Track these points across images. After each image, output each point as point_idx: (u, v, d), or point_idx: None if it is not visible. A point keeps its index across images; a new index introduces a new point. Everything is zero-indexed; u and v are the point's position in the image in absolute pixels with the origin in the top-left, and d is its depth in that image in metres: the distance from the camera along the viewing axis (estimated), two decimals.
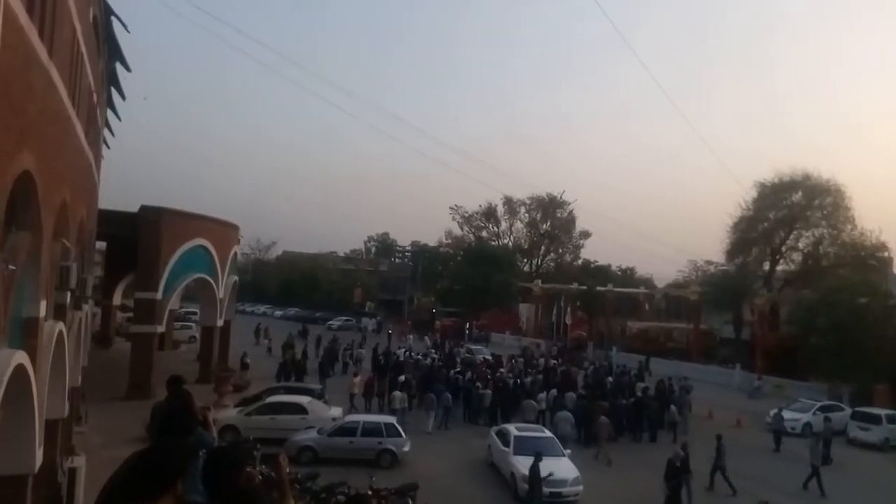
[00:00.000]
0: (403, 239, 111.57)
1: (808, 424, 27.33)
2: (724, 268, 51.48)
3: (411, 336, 56.61)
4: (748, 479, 19.38)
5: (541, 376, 31.27)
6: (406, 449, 19.68)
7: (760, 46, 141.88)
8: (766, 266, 50.77)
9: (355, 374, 30.04)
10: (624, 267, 72.01)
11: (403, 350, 38.16)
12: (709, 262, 54.55)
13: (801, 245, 49.71)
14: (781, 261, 50.47)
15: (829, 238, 47.96)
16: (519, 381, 29.33)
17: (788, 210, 48.39)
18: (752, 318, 46.92)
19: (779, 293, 47.72)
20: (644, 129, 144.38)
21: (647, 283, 70.04)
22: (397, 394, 25.39)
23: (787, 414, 27.05)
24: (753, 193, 50.01)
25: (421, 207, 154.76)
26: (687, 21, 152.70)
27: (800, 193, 48.22)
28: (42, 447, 9.77)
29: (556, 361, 37.97)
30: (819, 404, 29.15)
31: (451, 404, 25.53)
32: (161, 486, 2.39)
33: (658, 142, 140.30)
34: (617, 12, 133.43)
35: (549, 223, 73.33)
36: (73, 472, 13.71)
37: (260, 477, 3.58)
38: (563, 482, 16.83)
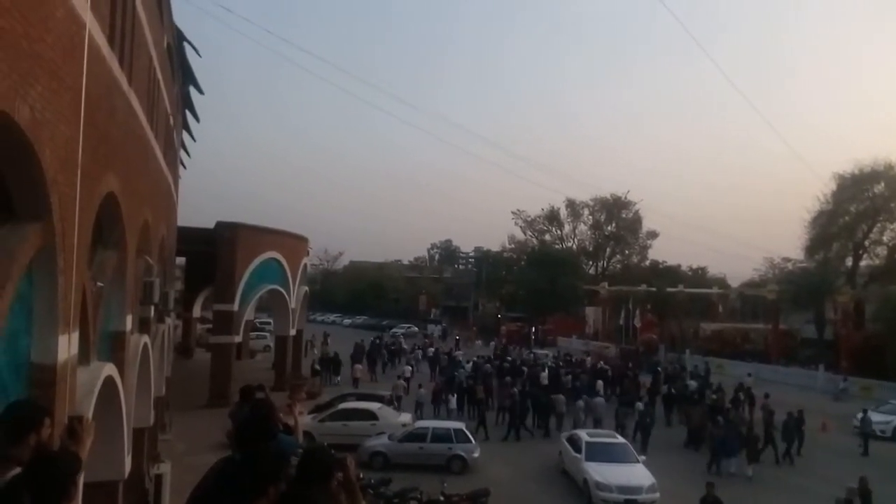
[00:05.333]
0: (466, 245, 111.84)
1: None
2: (804, 264, 49.32)
3: (479, 342, 56.72)
4: (835, 483, 18.45)
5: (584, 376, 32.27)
6: (476, 455, 19.69)
7: (836, 26, 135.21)
8: (849, 261, 48.47)
9: (355, 363, 34.80)
10: (695, 267, 69.95)
11: (447, 354, 40.24)
12: (786, 259, 52.38)
13: (885, 238, 47.25)
14: (865, 255, 48.08)
15: None
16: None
17: (871, 202, 46.07)
18: (836, 317, 44.69)
19: (863, 289, 45.40)
20: (712, 122, 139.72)
21: (720, 282, 67.51)
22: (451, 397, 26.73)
23: (875, 416, 25.65)
24: (832, 186, 47.86)
25: (483, 213, 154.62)
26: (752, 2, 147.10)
27: (882, 184, 45.86)
28: (130, 455, 10.27)
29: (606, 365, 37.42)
30: None
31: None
32: (259, 491, 2.54)
33: (727, 135, 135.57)
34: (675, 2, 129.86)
35: (613, 224, 71.90)
36: (159, 479, 14.38)
37: (336, 483, 3.67)
38: (638, 489, 16.45)
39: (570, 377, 31.42)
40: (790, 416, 22.22)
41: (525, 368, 33.99)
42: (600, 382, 29.86)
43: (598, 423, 23.81)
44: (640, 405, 24.74)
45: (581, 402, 25.24)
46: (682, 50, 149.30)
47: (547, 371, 31.96)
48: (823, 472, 20.44)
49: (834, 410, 30.22)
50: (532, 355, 41.46)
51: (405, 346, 46.31)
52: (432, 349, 43.25)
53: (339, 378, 34.74)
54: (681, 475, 19.53)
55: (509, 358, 39.28)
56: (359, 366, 34.72)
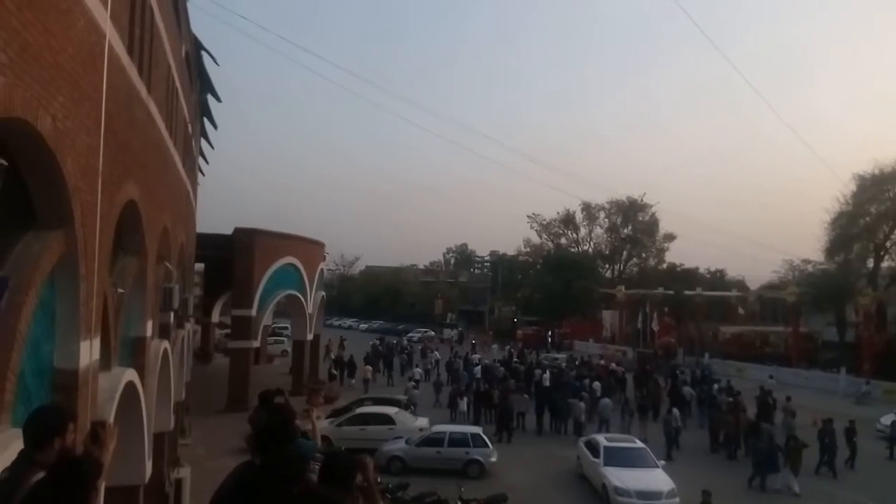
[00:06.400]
0: (482, 249, 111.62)
1: None
2: (824, 266, 48.73)
3: (495, 346, 56.68)
4: (862, 489, 18.18)
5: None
6: (493, 459, 19.63)
7: (855, 25, 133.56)
8: (870, 263, 47.78)
9: (367, 364, 36.00)
10: (713, 269, 69.28)
11: (463, 358, 39.84)
12: (806, 262, 51.74)
13: None
14: (886, 257, 47.37)
15: None
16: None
17: (891, 203, 45.47)
18: (857, 319, 44.09)
19: (885, 291, 44.71)
20: (730, 123, 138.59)
21: (739, 285, 66.82)
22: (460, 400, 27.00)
23: None
24: (853, 187, 47.31)
25: (498, 217, 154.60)
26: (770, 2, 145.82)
27: None
28: (151, 459, 10.36)
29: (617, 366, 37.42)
30: None
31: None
32: (279, 495, 2.58)
33: (745, 136, 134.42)
34: (692, 3, 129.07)
35: (630, 227, 71.45)
36: (179, 483, 14.48)
37: (355, 485, 3.69)
38: (657, 494, 16.27)
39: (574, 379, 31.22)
40: (827, 424, 21.28)
41: (539, 371, 33.78)
42: (597, 384, 29.39)
43: (604, 425, 23.75)
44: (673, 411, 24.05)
45: (582, 404, 25.15)
46: (699, 51, 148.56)
47: (548, 373, 31.38)
48: (856, 481, 19.83)
49: (856, 414, 29.64)
50: (537, 359, 41.15)
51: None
52: (436, 352, 43.50)
53: (353, 380, 35.17)
54: (712, 484, 16.99)
55: (516, 360, 39.40)
56: (368, 367, 35.17)
